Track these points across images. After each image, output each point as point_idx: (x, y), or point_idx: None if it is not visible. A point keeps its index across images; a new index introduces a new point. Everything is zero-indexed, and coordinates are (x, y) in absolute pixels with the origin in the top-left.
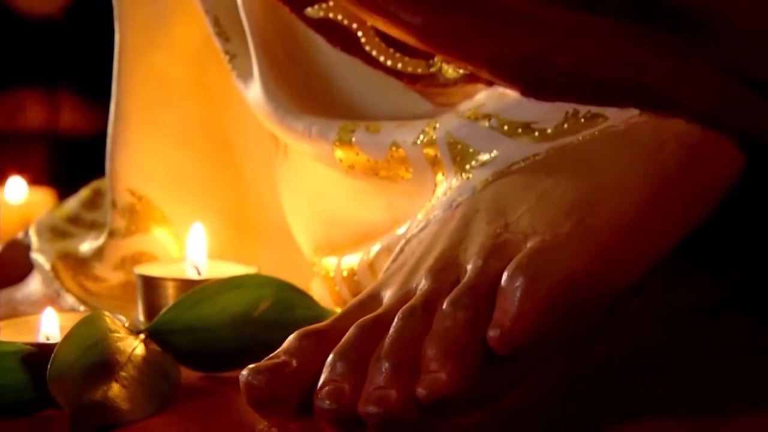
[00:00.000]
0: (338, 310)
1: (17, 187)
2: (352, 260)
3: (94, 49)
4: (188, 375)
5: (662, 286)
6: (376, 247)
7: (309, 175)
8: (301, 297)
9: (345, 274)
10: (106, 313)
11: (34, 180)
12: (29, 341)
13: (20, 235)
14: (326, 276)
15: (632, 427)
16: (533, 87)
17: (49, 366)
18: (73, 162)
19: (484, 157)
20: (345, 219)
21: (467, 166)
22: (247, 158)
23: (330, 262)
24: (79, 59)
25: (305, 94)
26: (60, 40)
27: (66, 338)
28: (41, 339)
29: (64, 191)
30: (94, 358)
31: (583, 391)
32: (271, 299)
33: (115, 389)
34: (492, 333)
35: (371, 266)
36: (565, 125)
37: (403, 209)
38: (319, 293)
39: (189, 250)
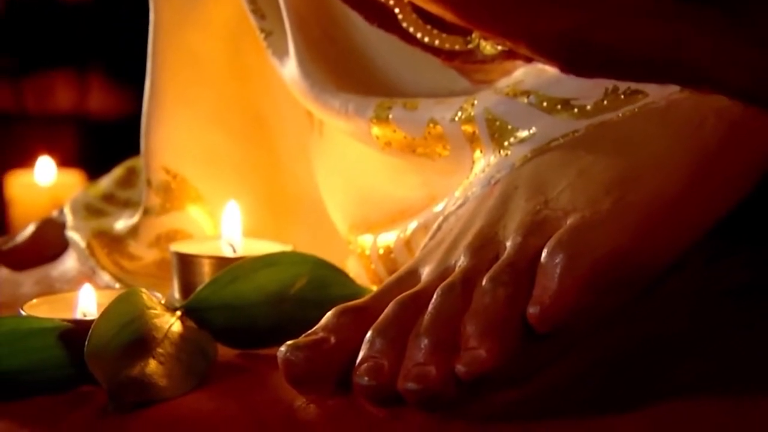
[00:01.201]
0: (374, 288)
1: (47, 169)
2: (388, 238)
3: (123, 32)
4: (225, 352)
5: (700, 265)
6: (412, 225)
7: (344, 153)
8: (337, 274)
9: (381, 251)
10: (143, 289)
11: (64, 162)
12: (66, 318)
13: (55, 213)
14: (362, 254)
15: (668, 407)
16: (572, 63)
17: (86, 342)
18: (101, 144)
19: (523, 133)
20: (381, 197)
21: (506, 143)
22: (282, 136)
23: (366, 240)
24: (109, 42)
25: (341, 72)
26: (90, 23)
27: (103, 315)
28: (78, 316)
29: (92, 173)
30: (131, 334)
31: (621, 370)
32: (307, 277)
33: (153, 366)
34: (532, 310)
35: (408, 244)
36: (605, 102)
37: (440, 187)
38: (355, 271)
39: (224, 227)
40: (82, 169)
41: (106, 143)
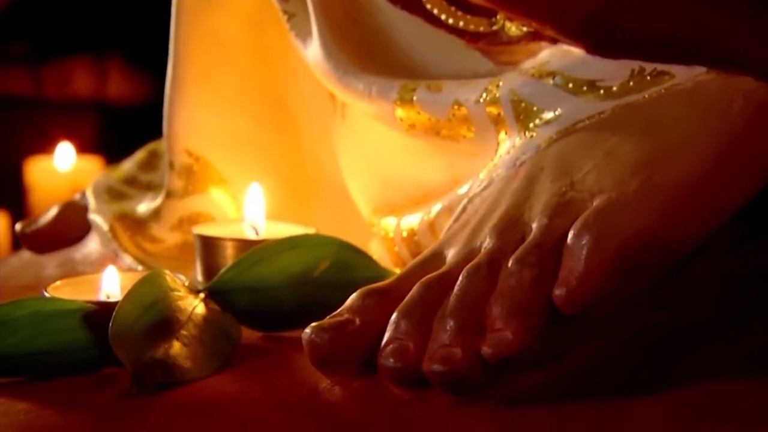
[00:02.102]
0: (398, 271)
1: (66, 155)
2: (411, 220)
3: (142, 18)
4: (248, 334)
5: (726, 249)
6: (436, 207)
7: (367, 136)
8: (361, 257)
9: (405, 234)
10: (167, 271)
11: (83, 148)
12: (90, 299)
13: (77, 196)
14: (385, 236)
15: (692, 392)
16: (598, 45)
17: (110, 324)
18: (120, 130)
19: (548, 115)
20: (404, 179)
21: (531, 125)
22: (305, 119)
23: (389, 223)
24: (128, 28)
25: (365, 54)
26: (109, 9)
27: (127, 296)
28: (102, 297)
29: (111, 159)
30: (155, 316)
31: (646, 354)
32: (331, 259)
33: (177, 347)
34: (558, 291)
35: (432, 226)
36: (631, 83)
37: (463, 169)
38: (378, 254)
39: (247, 210)
40: (101, 155)
41: (125, 129)
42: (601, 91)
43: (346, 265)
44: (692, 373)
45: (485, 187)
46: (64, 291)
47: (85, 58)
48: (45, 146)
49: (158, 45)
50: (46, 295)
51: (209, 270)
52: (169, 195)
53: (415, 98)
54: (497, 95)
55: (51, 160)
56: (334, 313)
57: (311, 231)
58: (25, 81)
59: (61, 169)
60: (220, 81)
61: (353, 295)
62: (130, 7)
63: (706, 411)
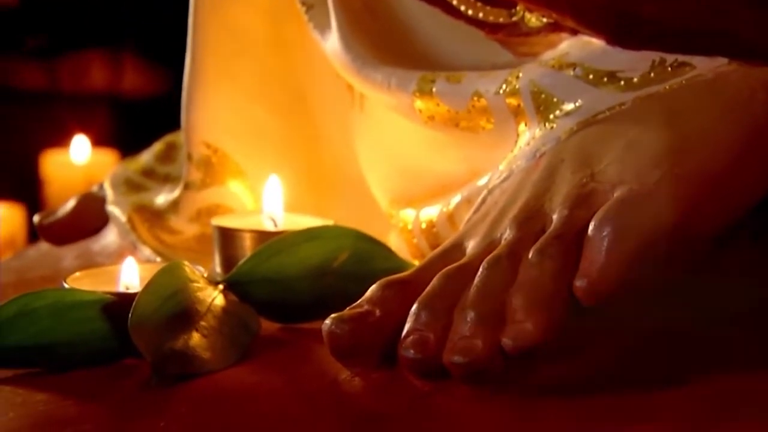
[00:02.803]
0: (416, 263)
1: (82, 148)
2: (430, 212)
3: (156, 12)
4: (267, 326)
5: (746, 242)
6: (456, 199)
7: (385, 128)
8: (380, 248)
9: (424, 226)
10: (186, 263)
11: (98, 141)
12: (109, 291)
13: (94, 188)
14: (404, 228)
15: (718, 385)
16: (619, 35)
17: (130, 315)
18: (135, 123)
19: (569, 106)
20: (422, 171)
21: (551, 116)
22: (323, 111)
23: (408, 215)
24: (142, 21)
25: (383, 45)
26: (123, 3)
27: (146, 287)
28: (121, 288)
29: (126, 152)
30: (174, 307)
31: (670, 347)
32: (350, 250)
33: (196, 338)
34: (579, 283)
35: (451, 218)
36: (652, 74)
37: (482, 161)
38: (396, 246)
39: (265, 201)
40: (116, 148)
41: (140, 122)
42: (622, 83)
43: (365, 257)
44: (717, 367)
45: (505, 179)
46: (83, 282)
47: (99, 52)
48: (60, 139)
49: (173, 38)
50: (65, 286)
51: (228, 261)
52: (187, 187)
53: (434, 90)
54: (517, 86)
55: (66, 154)
56: (354, 304)
57: (330, 222)
58: (40, 75)
59: (77, 162)
60: (238, 73)
61: (373, 287)
62: (145, 0)
63: (732, 405)
